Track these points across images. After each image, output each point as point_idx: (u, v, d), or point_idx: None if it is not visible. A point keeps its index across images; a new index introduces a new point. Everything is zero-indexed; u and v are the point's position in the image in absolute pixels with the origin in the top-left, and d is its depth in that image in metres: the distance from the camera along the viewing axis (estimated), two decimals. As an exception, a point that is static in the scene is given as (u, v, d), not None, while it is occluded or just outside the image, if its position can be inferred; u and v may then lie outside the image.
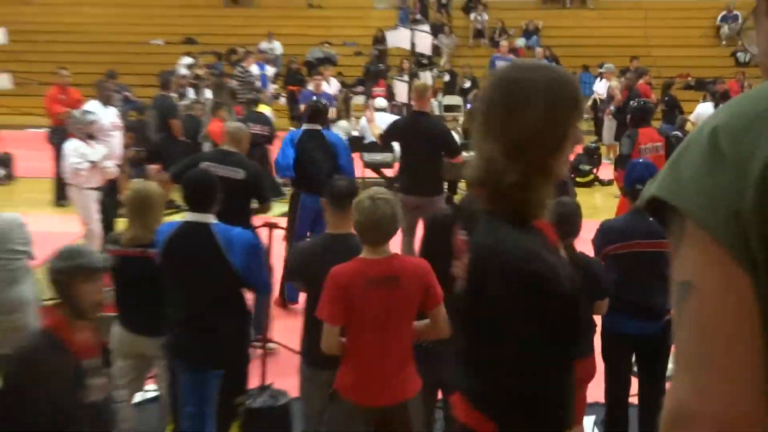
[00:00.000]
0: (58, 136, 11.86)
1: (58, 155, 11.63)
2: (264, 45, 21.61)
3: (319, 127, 7.84)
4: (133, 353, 4.99)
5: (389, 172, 11.72)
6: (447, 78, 18.40)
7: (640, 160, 5.67)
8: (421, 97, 8.31)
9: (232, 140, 6.76)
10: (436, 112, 14.23)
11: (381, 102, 12.92)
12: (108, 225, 9.18)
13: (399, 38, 12.78)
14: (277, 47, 22.20)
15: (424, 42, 12.26)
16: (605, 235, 4.86)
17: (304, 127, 8.00)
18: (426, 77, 14.67)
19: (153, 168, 12.35)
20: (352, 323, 3.96)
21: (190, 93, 16.46)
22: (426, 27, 13.80)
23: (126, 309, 5.01)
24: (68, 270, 3.57)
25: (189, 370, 4.65)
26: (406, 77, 13.45)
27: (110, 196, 9.28)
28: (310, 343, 4.28)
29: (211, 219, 4.69)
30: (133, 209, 5.02)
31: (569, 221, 4.26)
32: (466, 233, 2.18)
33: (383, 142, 8.63)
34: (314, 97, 12.20)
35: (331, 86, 16.88)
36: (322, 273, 4.15)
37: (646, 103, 9.04)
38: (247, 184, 6.43)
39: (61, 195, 11.99)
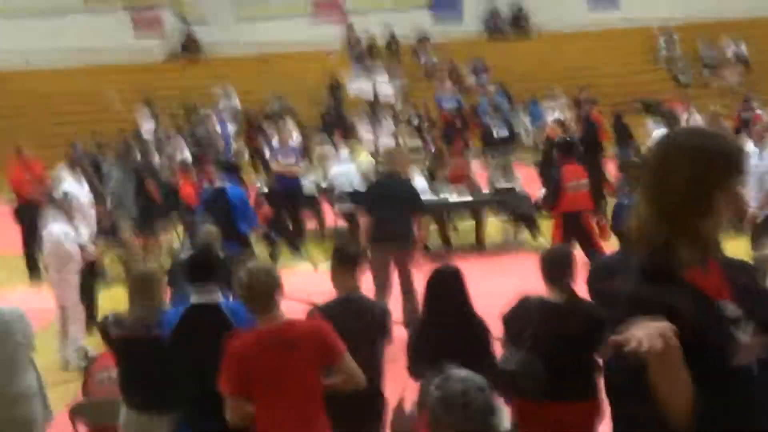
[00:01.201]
0: (25, 212, 12.05)
1: (27, 232, 11.81)
2: (223, 102, 21.83)
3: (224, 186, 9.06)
4: None
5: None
6: (416, 121, 18.70)
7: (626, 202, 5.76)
8: (391, 161, 9.10)
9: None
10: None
11: (345, 153, 13.19)
12: (89, 303, 9.28)
13: (360, 88, 13.23)
14: (235, 101, 22.41)
15: (386, 90, 12.72)
16: (597, 272, 4.93)
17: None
18: (389, 124, 15.12)
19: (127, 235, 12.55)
20: (254, 391, 4.07)
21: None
22: (385, 77, 14.24)
23: (133, 390, 5.05)
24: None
25: None
26: (368, 125, 13.88)
27: (90, 274, 9.34)
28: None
29: (217, 297, 4.77)
30: (135, 290, 5.11)
31: (563, 264, 4.62)
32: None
33: (365, 208, 9.03)
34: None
35: (294, 138, 17.19)
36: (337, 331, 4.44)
37: (570, 138, 9.41)
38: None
39: (34, 270, 12.09)
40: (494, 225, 12.77)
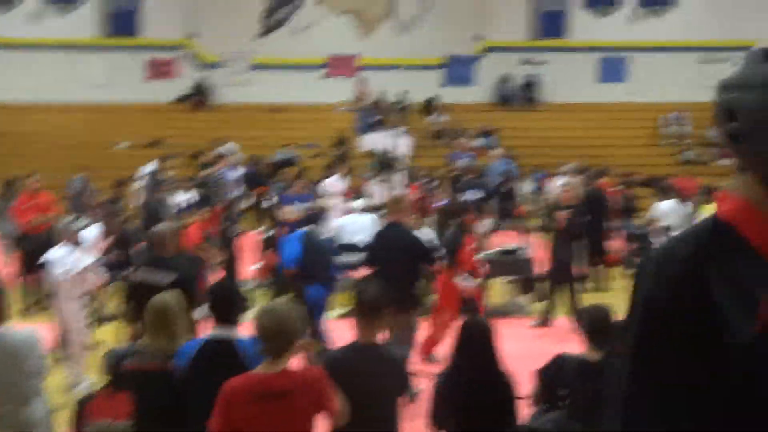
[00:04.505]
0: (26, 242, 11.99)
1: (27, 261, 11.78)
2: (228, 148, 21.80)
3: None
4: None
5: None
6: (426, 178, 18.69)
7: None
8: (397, 209, 8.34)
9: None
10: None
11: (359, 203, 13.06)
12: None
13: (373, 141, 13.25)
14: (238, 150, 22.36)
15: (400, 144, 12.74)
16: None
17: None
18: (396, 179, 15.09)
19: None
20: None
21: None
22: (396, 131, 14.32)
23: (146, 422, 4.97)
24: None
25: None
26: (379, 179, 13.86)
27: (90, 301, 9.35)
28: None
29: (235, 334, 4.67)
30: (153, 322, 5.03)
31: (603, 322, 4.56)
32: None
33: (365, 260, 8.59)
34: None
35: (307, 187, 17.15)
36: (350, 381, 4.38)
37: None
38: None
39: (29, 298, 11.95)
40: (497, 288, 12.65)
